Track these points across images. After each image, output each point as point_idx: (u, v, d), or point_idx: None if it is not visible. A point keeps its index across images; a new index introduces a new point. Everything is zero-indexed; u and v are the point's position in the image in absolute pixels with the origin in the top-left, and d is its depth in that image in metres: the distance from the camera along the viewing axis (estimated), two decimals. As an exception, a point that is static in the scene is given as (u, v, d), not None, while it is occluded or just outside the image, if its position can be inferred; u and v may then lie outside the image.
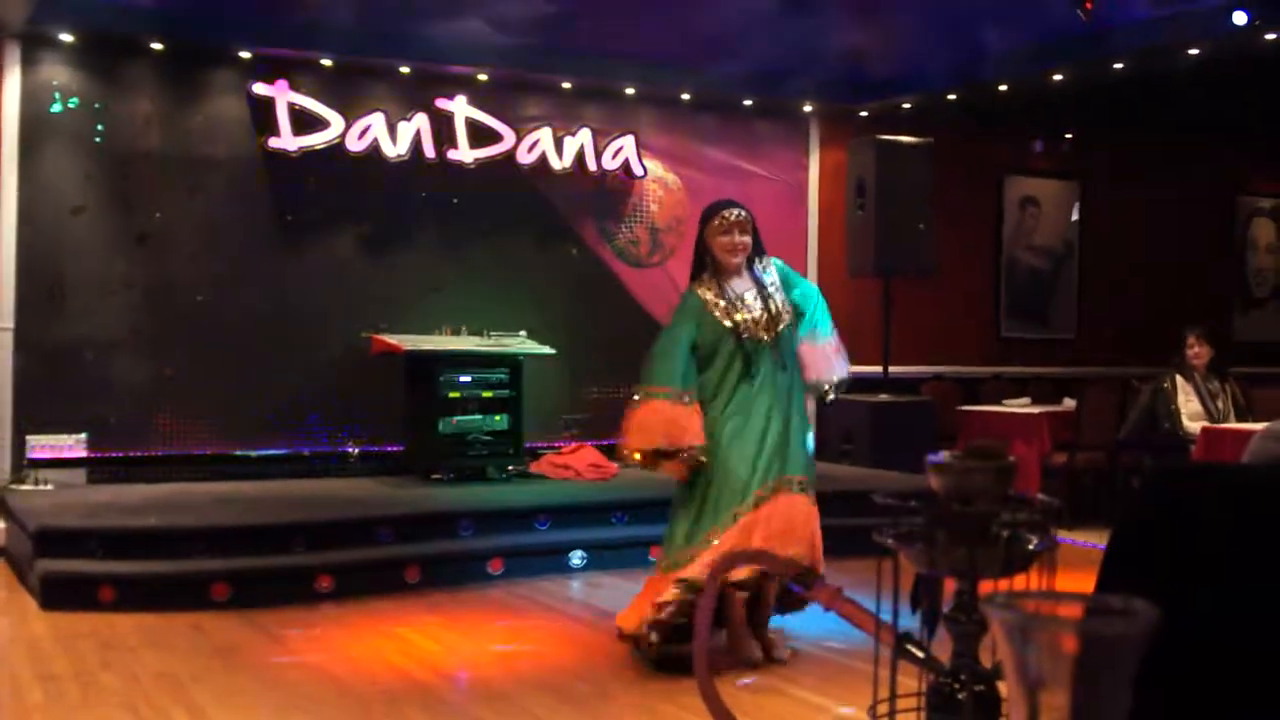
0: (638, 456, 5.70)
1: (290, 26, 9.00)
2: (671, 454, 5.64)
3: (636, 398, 5.79)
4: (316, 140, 9.20)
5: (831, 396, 6.05)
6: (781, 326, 5.73)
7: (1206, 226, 13.27)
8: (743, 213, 5.87)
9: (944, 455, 2.04)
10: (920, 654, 2.07)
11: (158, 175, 8.99)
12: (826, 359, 5.85)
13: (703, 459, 5.61)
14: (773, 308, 5.73)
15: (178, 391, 8.96)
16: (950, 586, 2.12)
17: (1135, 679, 1.01)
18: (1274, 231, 14.00)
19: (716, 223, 5.87)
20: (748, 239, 5.83)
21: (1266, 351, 12.88)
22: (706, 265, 5.92)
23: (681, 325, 5.78)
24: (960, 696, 2.14)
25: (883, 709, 2.17)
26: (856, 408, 9.74)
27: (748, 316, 5.69)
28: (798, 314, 5.83)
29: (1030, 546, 2.13)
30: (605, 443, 10.11)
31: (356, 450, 9.46)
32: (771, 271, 5.91)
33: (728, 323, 5.67)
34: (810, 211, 11.26)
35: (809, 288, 6.04)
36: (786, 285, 5.90)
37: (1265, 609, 2.18)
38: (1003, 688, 1.31)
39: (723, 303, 5.73)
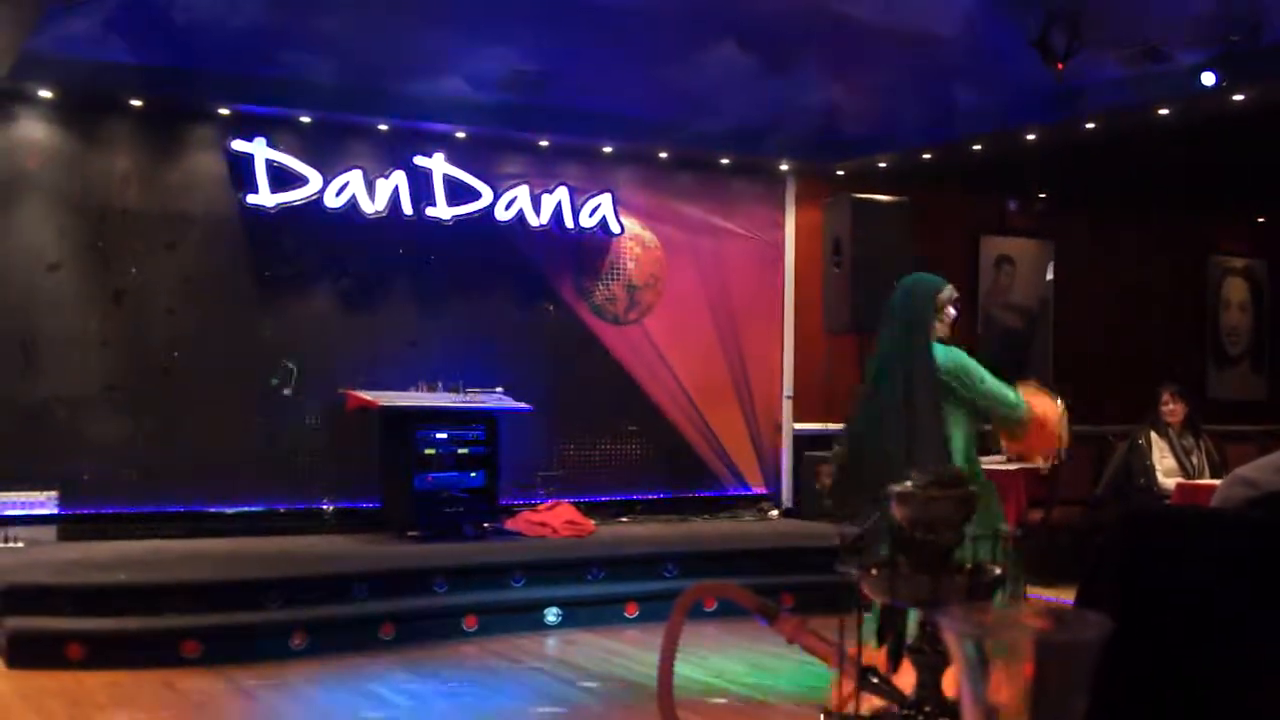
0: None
1: (269, 84, 9.04)
2: None
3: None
4: (294, 197, 9.21)
5: None
6: None
7: (1180, 285, 13.35)
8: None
9: (907, 484, 2.04)
10: (882, 687, 2.06)
11: (135, 231, 8.98)
12: None
13: None
14: None
15: (151, 448, 8.90)
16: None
17: (1099, 707, 1.01)
18: (1246, 290, 14.11)
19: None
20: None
21: (1240, 408, 12.93)
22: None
23: None
24: None
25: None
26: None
27: None
28: None
29: (993, 576, 2.13)
30: (582, 499, 10.09)
31: (332, 507, 9.40)
32: None
33: None
34: (787, 269, 11.31)
35: None
36: None
37: (1231, 648, 2.16)
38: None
39: None
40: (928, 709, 2.00)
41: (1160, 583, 2.29)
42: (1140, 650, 1.95)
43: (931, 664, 2.00)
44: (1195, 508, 4.82)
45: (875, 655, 2.11)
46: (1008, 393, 5.77)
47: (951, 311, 5.93)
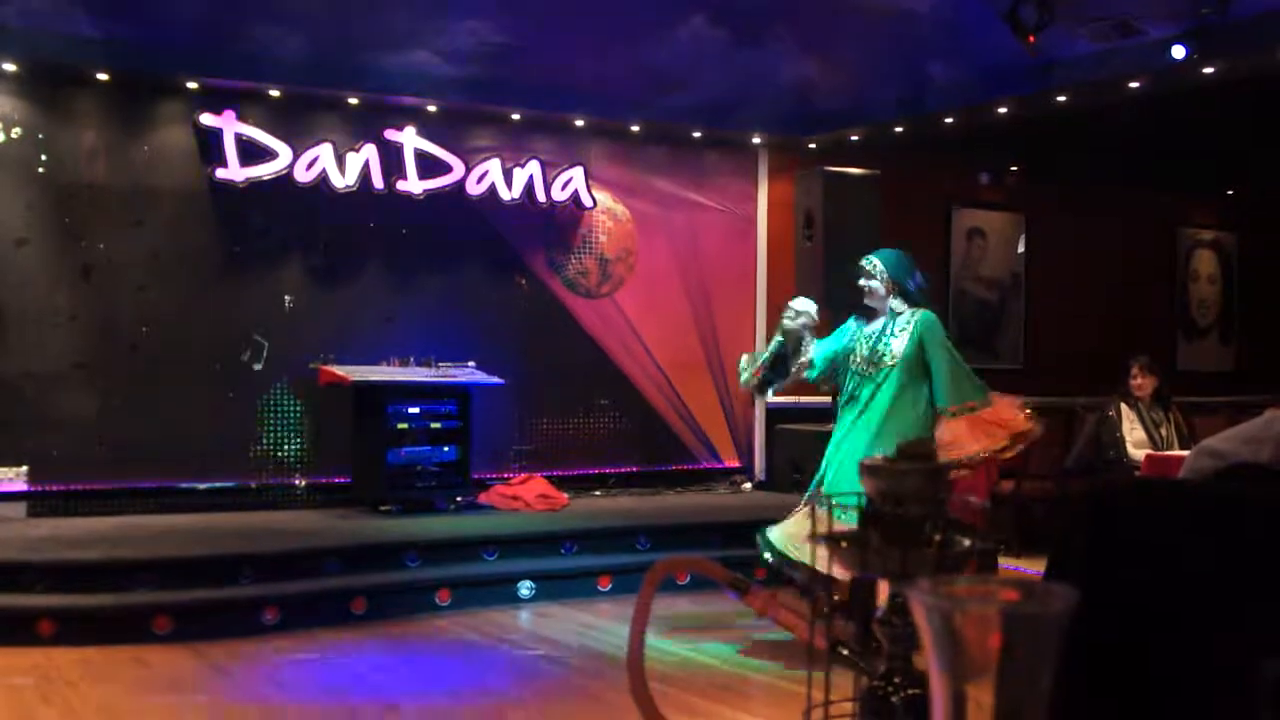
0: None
1: (238, 57, 8.96)
2: None
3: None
4: (264, 171, 9.15)
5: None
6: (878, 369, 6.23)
7: (1149, 258, 13.43)
8: (864, 262, 6.52)
9: (877, 458, 2.04)
10: (851, 658, 2.07)
11: (103, 206, 8.90)
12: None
13: None
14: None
15: (122, 424, 8.85)
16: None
17: (1066, 677, 1.01)
18: (1215, 263, 14.20)
19: None
20: (870, 284, 6.45)
21: (1209, 380, 13.03)
22: None
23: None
24: (893, 700, 2.13)
25: (817, 714, 2.16)
26: (806, 438, 9.75)
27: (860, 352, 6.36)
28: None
29: (964, 548, 2.13)
30: (555, 473, 10.10)
31: (304, 482, 9.38)
32: (901, 322, 6.33)
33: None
34: (759, 242, 11.31)
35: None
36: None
37: (1196, 617, 2.19)
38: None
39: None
40: (898, 680, 2.01)
41: (1128, 554, 2.31)
42: (1108, 620, 1.97)
43: (901, 636, 2.01)
44: (1163, 479, 4.86)
45: (845, 628, 2.12)
46: (971, 376, 6.09)
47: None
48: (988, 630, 0.95)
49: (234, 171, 9.03)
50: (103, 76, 8.82)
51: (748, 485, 11.02)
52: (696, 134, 10.88)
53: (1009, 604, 0.99)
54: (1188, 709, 2.13)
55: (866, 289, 6.48)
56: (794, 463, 10.04)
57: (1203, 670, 2.11)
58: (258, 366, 9.25)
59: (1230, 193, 13.93)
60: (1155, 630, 2.15)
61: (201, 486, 9.08)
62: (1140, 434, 9.03)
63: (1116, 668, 2.03)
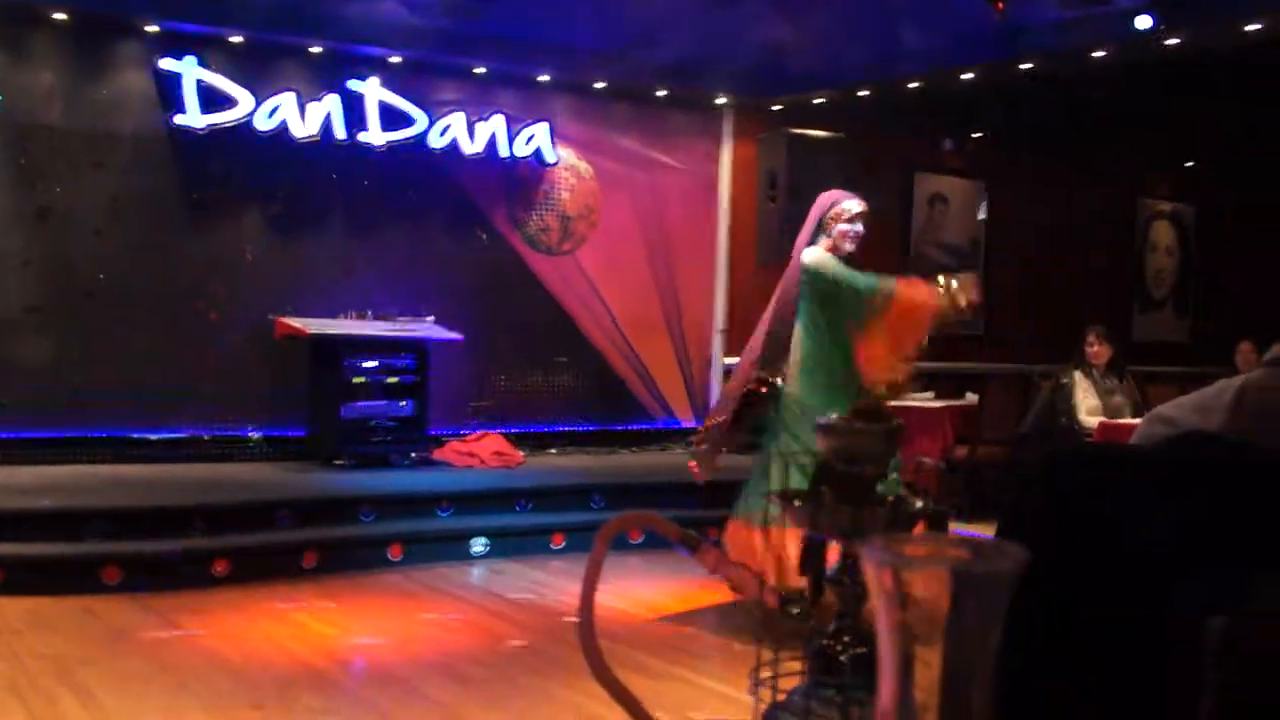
0: None
1: (199, 1, 8.84)
2: None
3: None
4: (225, 118, 9.03)
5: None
6: None
7: (1109, 228, 13.51)
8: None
9: (832, 416, 2.04)
10: (802, 616, 2.07)
11: (60, 150, 8.76)
12: None
13: None
14: None
15: (75, 371, 8.74)
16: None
17: (1012, 641, 1.00)
18: (1173, 234, 14.30)
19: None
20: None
21: (1163, 350, 13.14)
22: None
23: None
24: (842, 658, 2.13)
25: (766, 673, 2.15)
26: (762, 399, 9.76)
27: None
28: None
29: (915, 508, 2.14)
30: (511, 430, 10.08)
31: (258, 434, 9.32)
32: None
33: None
34: (721, 203, 11.30)
35: None
36: None
37: (1143, 583, 2.21)
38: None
39: None
40: (846, 639, 2.01)
41: (1078, 519, 2.32)
42: (1057, 584, 1.98)
43: (852, 595, 2.02)
44: (1115, 445, 4.90)
45: (799, 583, 2.12)
46: (867, 276, 5.96)
47: (844, 228, 6.08)
48: (937, 589, 0.95)
49: (194, 117, 8.92)
50: (60, 16, 8.67)
51: (703, 445, 11.02)
52: (661, 93, 10.83)
53: (958, 562, 1.00)
54: (1137, 669, 2.14)
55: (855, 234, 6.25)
56: (753, 425, 10.05)
57: (1151, 631, 2.12)
58: (212, 315, 9.16)
59: (1189, 165, 14.01)
60: (1104, 593, 2.17)
61: (154, 437, 9.01)
62: (1094, 401, 9.11)
63: (1066, 631, 2.05)
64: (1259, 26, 8.05)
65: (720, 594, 6.34)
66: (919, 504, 2.12)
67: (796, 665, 2.17)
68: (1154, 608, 2.14)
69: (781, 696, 2.25)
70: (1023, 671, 1.37)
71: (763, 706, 2.12)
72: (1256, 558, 1.94)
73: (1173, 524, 2.14)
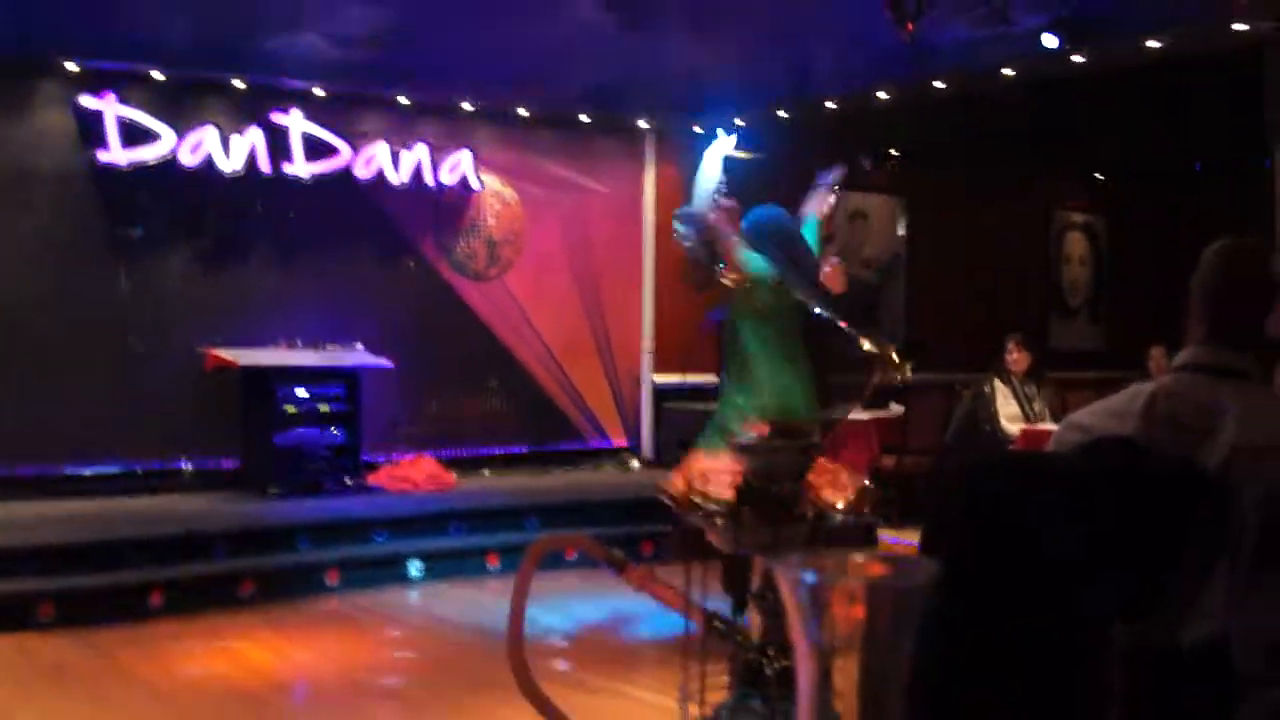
0: None
1: (118, 39, 8.81)
2: None
3: None
4: (148, 154, 9.04)
5: None
6: None
7: (1024, 240, 13.80)
8: None
9: (751, 436, 2.17)
10: (727, 631, 2.20)
11: (-19, 188, 8.74)
12: None
13: None
14: None
15: (3, 409, 8.68)
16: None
17: (931, 648, 1.07)
18: (1086, 245, 14.64)
19: None
20: None
21: (1079, 358, 13.45)
22: None
23: None
24: (766, 671, 2.25)
25: (694, 687, 2.28)
26: (691, 415, 9.91)
27: None
28: None
29: (835, 523, 2.26)
30: (444, 454, 10.14)
31: (191, 466, 9.31)
32: None
33: None
34: (646, 225, 11.44)
35: None
36: None
37: (1055, 586, 2.32)
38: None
39: None
40: (771, 652, 2.14)
41: (995, 527, 2.45)
42: (975, 591, 2.12)
43: (775, 609, 2.15)
44: (1031, 453, 5.08)
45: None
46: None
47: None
48: (851, 603, 1.00)
49: (116, 154, 8.93)
50: (-22, 57, 8.64)
51: (635, 464, 11.16)
52: (584, 118, 10.96)
53: (872, 577, 1.04)
54: (1050, 675, 2.27)
55: None
56: (681, 441, 10.17)
57: (1063, 637, 2.24)
58: (140, 349, 9.15)
59: (1100, 178, 14.37)
60: (1019, 600, 2.29)
61: (86, 472, 8.97)
62: (1014, 408, 9.33)
63: (984, 638, 2.15)
64: (1158, 45, 8.33)
65: (654, 606, 6.45)
66: (839, 519, 2.26)
67: (724, 679, 2.30)
68: (1066, 614, 2.28)
69: (710, 711, 2.38)
70: (941, 679, 1.48)
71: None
72: (1163, 563, 2.05)
73: (1083, 531, 2.28)
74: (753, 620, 2.25)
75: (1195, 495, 2.03)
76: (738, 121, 11.08)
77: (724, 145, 6.74)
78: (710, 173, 6.68)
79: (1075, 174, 14.12)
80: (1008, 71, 9.26)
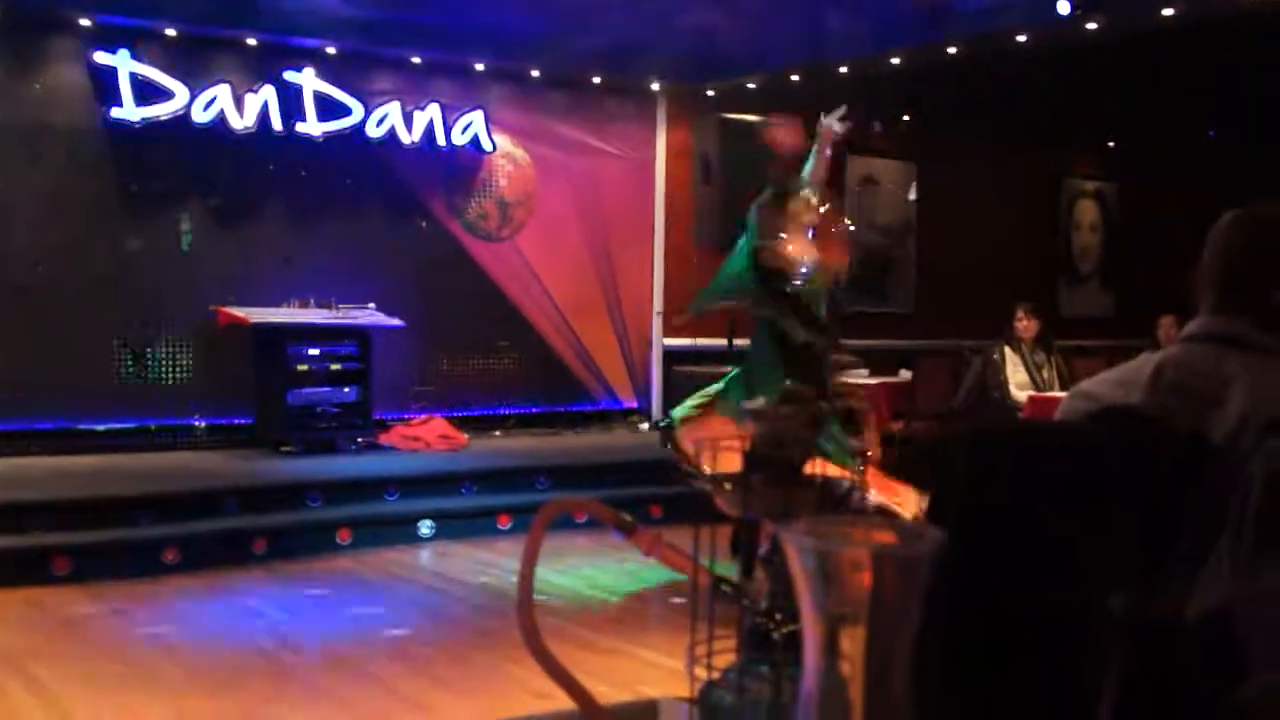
0: None
1: (132, -5, 8.86)
2: None
3: None
4: (160, 111, 9.06)
5: None
6: None
7: (1035, 207, 13.79)
8: None
9: (760, 401, 2.19)
10: (735, 595, 2.22)
11: (-6, 144, 8.77)
12: None
13: None
14: None
15: (16, 364, 8.75)
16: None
17: (933, 618, 1.09)
18: (1097, 212, 14.61)
19: None
20: None
21: (1089, 325, 13.46)
22: None
23: None
24: (774, 636, 2.27)
25: (702, 650, 2.30)
26: (701, 378, 9.93)
27: None
28: None
29: (843, 490, 2.27)
30: (455, 414, 10.20)
31: (204, 423, 9.38)
32: None
33: None
34: (658, 187, 11.45)
35: None
36: None
37: (1059, 555, 2.35)
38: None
39: None
40: (778, 617, 2.17)
41: (998, 496, 2.48)
42: (977, 561, 2.15)
43: (783, 573, 2.18)
44: (1035, 422, 5.10)
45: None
46: None
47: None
48: (857, 570, 0.99)
49: (129, 111, 8.95)
50: (-8, 12, 8.66)
51: (645, 425, 11.21)
52: (596, 80, 10.95)
53: (879, 545, 1.05)
54: (1053, 647, 2.30)
55: None
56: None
57: (1067, 607, 2.27)
58: (186, 248, 9.17)
59: (1111, 144, 14.32)
60: (1020, 570, 2.32)
61: (100, 428, 9.04)
62: (1023, 376, 9.35)
63: (987, 608, 2.18)
64: (1172, 11, 8.30)
65: (664, 570, 6.50)
66: (847, 485, 2.28)
67: (732, 642, 2.33)
68: (1067, 586, 2.31)
69: (717, 674, 2.42)
70: (944, 650, 1.51)
71: (699, 684, 2.28)
72: (1168, 534, 2.07)
73: (1086, 501, 2.30)
74: (760, 584, 2.26)
75: (1202, 466, 2.04)
76: (749, 84, 11.06)
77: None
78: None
79: (1087, 140, 14.07)
80: (1021, 38, 9.23)
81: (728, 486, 2.24)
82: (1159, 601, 2.02)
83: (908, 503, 6.22)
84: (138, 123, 8.99)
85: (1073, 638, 2.14)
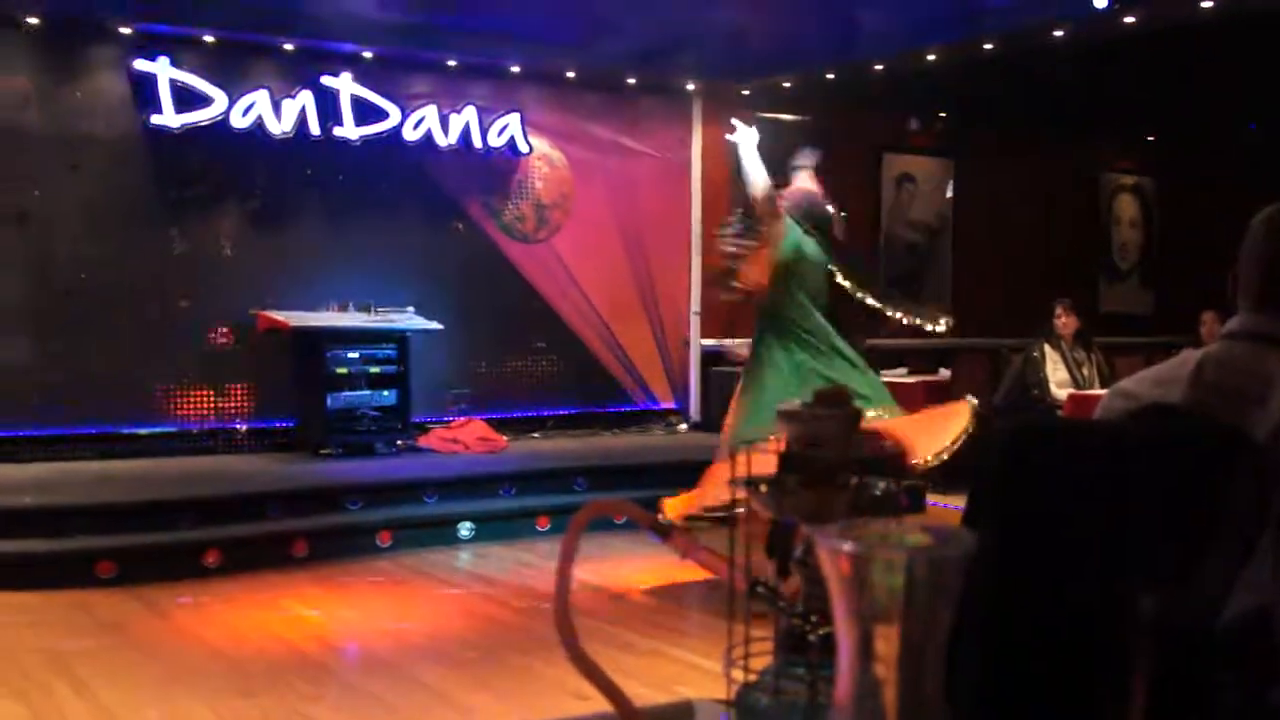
0: None
1: (171, 2, 8.93)
2: None
3: None
4: (200, 117, 9.13)
5: None
6: None
7: (1074, 203, 13.68)
8: None
9: (795, 403, 2.18)
10: (771, 597, 2.22)
11: (37, 152, 8.84)
12: None
13: None
14: None
15: (62, 370, 8.84)
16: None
17: (968, 615, 1.08)
18: (1137, 207, 14.49)
19: None
20: None
21: (1129, 322, 13.35)
22: None
23: None
24: (810, 638, 2.26)
25: (739, 651, 2.30)
26: (738, 379, 9.93)
27: None
28: None
29: (878, 491, 2.26)
30: (494, 416, 10.23)
31: (245, 426, 9.45)
32: None
33: None
34: (694, 187, 11.44)
35: None
36: None
37: (1092, 556, 2.34)
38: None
39: None
40: (814, 619, 2.17)
41: (1037, 496, 2.47)
42: (1015, 558, 2.14)
43: (816, 575, 2.17)
44: (1074, 420, 5.07)
45: (767, 566, 2.28)
46: None
47: None
48: (890, 574, 0.98)
49: (169, 117, 9.03)
50: (33, 20, 8.75)
51: (683, 426, 11.21)
52: (631, 80, 10.96)
53: (912, 548, 1.08)
54: (1082, 644, 2.28)
55: None
56: (728, 404, 10.20)
57: (1103, 604, 2.26)
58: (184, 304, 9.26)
59: (1150, 139, 14.20)
60: (1056, 569, 2.30)
61: (143, 432, 9.13)
62: (1063, 374, 9.30)
63: (1025, 605, 2.17)
64: (1211, 4, 8.23)
65: (701, 572, 6.49)
66: (882, 486, 2.27)
67: (769, 645, 2.33)
68: (1101, 584, 2.29)
69: (754, 676, 2.42)
70: (976, 648, 1.50)
71: (737, 685, 2.28)
72: (1205, 535, 2.05)
73: (1123, 498, 2.29)
74: (795, 586, 2.26)
75: (1242, 465, 2.02)
76: (784, 84, 11.04)
77: (748, 137, 6.79)
78: (753, 164, 6.77)
79: (1126, 135, 13.95)
80: (1058, 32, 9.18)
81: (763, 489, 2.24)
82: (1194, 604, 2.00)
83: (961, 414, 6.35)
84: (177, 129, 9.07)
85: (1109, 640, 2.12)
